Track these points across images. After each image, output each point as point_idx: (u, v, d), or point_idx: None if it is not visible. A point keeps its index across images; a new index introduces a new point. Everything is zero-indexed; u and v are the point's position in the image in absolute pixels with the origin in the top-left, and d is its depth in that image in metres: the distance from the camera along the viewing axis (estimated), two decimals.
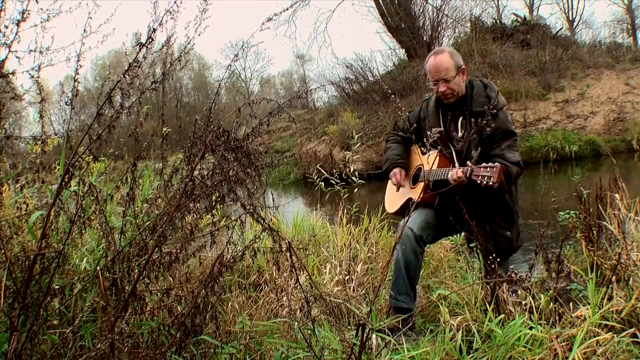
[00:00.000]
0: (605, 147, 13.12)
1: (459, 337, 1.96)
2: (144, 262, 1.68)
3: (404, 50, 18.67)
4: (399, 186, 2.76)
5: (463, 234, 3.15)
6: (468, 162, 2.30)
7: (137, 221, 1.86)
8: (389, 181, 3.01)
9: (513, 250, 2.57)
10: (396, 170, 2.74)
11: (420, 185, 2.65)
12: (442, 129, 2.11)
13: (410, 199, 2.70)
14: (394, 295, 2.49)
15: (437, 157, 2.54)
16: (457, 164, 2.52)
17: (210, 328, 1.91)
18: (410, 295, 2.50)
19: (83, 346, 1.77)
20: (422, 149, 2.77)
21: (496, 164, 2.22)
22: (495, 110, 2.43)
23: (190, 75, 30.39)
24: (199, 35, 1.62)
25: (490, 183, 2.19)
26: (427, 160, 2.65)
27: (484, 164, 2.25)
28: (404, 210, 2.77)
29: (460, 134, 2.54)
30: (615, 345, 1.84)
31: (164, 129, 1.95)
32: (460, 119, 2.55)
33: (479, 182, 2.23)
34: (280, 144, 19.86)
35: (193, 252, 1.86)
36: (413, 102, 13.23)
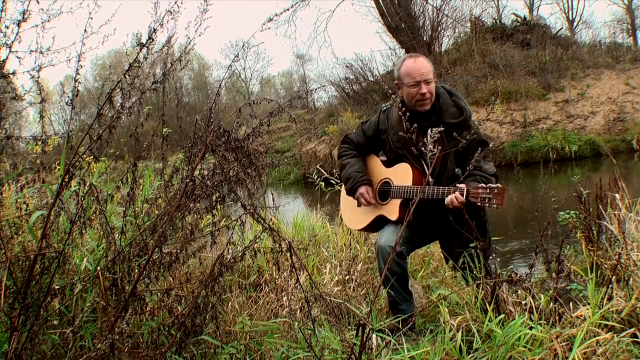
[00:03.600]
0: (605, 147, 13.11)
1: (459, 337, 1.96)
2: (144, 262, 1.68)
3: (404, 50, 18.66)
4: (367, 204, 2.60)
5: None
6: (461, 184, 2.21)
7: (138, 221, 1.86)
8: (343, 195, 2.83)
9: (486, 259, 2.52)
10: (362, 190, 2.58)
11: (393, 202, 2.51)
12: (442, 128, 2.05)
13: (381, 216, 2.56)
14: (395, 311, 2.49)
15: (411, 171, 2.42)
16: (430, 178, 2.42)
17: (210, 328, 1.91)
18: (408, 299, 2.52)
19: (83, 346, 1.77)
20: (382, 159, 2.65)
21: (497, 184, 2.16)
22: (469, 121, 2.39)
23: (190, 75, 30.37)
24: (200, 35, 1.62)
25: (495, 205, 2.14)
26: (397, 174, 2.52)
27: (482, 185, 2.20)
28: (374, 227, 2.64)
29: (430, 147, 2.45)
30: (615, 345, 1.84)
31: (165, 129, 1.95)
32: (429, 130, 2.47)
33: (479, 204, 2.18)
34: (280, 144, 19.86)
35: (193, 252, 1.86)
36: None
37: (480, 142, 2.40)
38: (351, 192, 2.64)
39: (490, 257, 2.46)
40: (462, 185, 2.23)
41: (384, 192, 2.59)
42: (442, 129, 1.81)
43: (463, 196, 2.22)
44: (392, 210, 2.50)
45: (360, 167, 2.66)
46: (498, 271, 2.23)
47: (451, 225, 2.30)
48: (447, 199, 2.27)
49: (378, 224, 2.60)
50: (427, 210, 2.40)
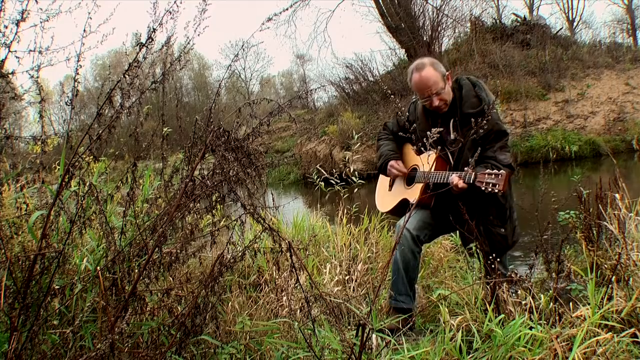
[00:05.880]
0: (605, 147, 13.11)
1: (459, 337, 1.96)
2: (144, 262, 1.68)
3: (404, 50, 18.66)
4: (402, 176, 2.73)
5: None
6: (467, 168, 2.29)
7: (138, 221, 1.86)
8: (380, 179, 3.01)
9: (509, 247, 2.58)
10: (392, 162, 2.74)
11: (416, 186, 2.65)
12: (442, 129, 2.08)
13: (405, 200, 2.70)
14: (394, 296, 2.50)
15: (435, 158, 2.52)
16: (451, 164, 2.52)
17: (210, 328, 1.91)
18: (410, 295, 2.51)
19: (83, 346, 1.77)
20: (415, 149, 2.75)
21: (501, 171, 2.23)
22: (487, 111, 2.44)
23: (190, 75, 30.37)
24: (199, 35, 1.62)
25: (496, 190, 2.20)
26: (423, 161, 2.64)
27: (487, 170, 2.26)
28: (398, 210, 2.77)
29: (452, 136, 2.52)
30: (615, 345, 1.84)
31: (164, 129, 1.95)
32: (452, 121, 2.53)
33: (482, 188, 2.23)
34: (280, 144, 19.87)
35: (193, 252, 1.86)
36: None
37: (498, 133, 2.45)
38: (382, 168, 2.80)
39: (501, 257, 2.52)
40: (469, 169, 2.29)
41: (412, 177, 2.72)
42: (441, 129, 1.82)
43: (468, 181, 2.30)
44: (412, 193, 2.64)
45: (393, 147, 2.82)
46: (499, 271, 2.22)
47: (471, 213, 2.37)
48: (450, 181, 2.35)
49: (403, 207, 2.72)
50: (449, 198, 2.44)
